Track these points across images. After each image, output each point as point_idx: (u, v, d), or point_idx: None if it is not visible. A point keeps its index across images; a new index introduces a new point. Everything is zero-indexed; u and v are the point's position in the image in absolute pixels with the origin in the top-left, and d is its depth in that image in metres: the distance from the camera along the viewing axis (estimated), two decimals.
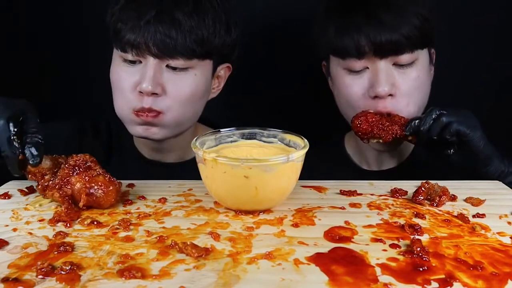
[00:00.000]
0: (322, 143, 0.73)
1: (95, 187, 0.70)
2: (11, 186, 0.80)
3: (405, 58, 0.91)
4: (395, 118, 0.91)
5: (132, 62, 0.90)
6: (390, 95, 0.92)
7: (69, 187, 0.70)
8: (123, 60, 0.91)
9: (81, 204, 0.69)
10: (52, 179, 0.72)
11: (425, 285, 0.51)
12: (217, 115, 1.15)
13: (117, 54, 0.92)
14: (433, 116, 0.85)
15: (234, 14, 0.96)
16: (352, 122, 0.92)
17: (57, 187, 0.71)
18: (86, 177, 0.70)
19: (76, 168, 0.72)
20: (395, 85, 0.92)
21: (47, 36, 1.31)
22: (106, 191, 0.70)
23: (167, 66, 0.90)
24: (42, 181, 0.73)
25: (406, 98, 0.93)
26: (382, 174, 1.05)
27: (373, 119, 0.90)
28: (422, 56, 0.95)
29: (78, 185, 0.70)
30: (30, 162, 0.70)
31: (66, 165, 0.72)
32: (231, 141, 0.78)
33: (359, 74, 0.94)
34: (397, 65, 0.92)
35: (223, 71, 1.01)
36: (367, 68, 0.93)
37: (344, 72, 0.95)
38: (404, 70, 0.93)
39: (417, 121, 0.87)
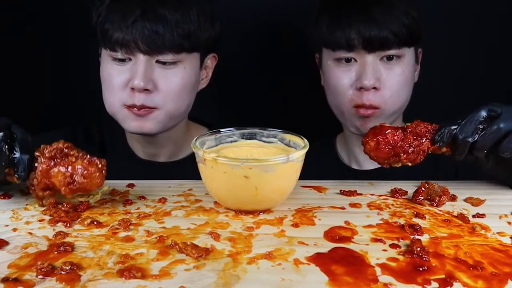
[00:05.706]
0: (313, 143, 0.73)
1: (74, 175, 0.68)
2: (11, 186, 0.80)
3: (391, 54, 0.96)
4: (418, 127, 0.72)
5: (122, 61, 0.92)
6: (375, 88, 0.96)
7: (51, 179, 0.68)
8: (113, 59, 0.93)
9: (65, 192, 0.67)
10: (34, 177, 0.69)
11: (425, 285, 0.51)
12: (211, 114, 1.16)
13: (106, 54, 0.94)
14: (480, 120, 0.67)
15: (215, 7, 0.99)
16: (365, 144, 0.75)
17: (39, 185, 0.69)
18: (64, 166, 0.68)
19: (52, 160, 0.69)
20: (380, 79, 0.96)
21: (47, 37, 1.31)
22: (87, 174, 0.68)
23: (157, 61, 0.92)
24: (30, 186, 0.70)
25: (389, 91, 0.97)
26: (372, 173, 1.05)
27: (395, 138, 0.72)
28: (409, 54, 0.99)
29: (59, 177, 0.68)
30: (16, 176, 0.68)
31: (43, 160, 0.69)
32: (231, 141, 0.78)
33: (348, 66, 0.98)
34: (383, 60, 0.96)
35: (210, 61, 1.04)
36: (356, 61, 0.97)
37: (334, 64, 1.00)
38: (390, 65, 0.97)
39: (452, 127, 0.70)
